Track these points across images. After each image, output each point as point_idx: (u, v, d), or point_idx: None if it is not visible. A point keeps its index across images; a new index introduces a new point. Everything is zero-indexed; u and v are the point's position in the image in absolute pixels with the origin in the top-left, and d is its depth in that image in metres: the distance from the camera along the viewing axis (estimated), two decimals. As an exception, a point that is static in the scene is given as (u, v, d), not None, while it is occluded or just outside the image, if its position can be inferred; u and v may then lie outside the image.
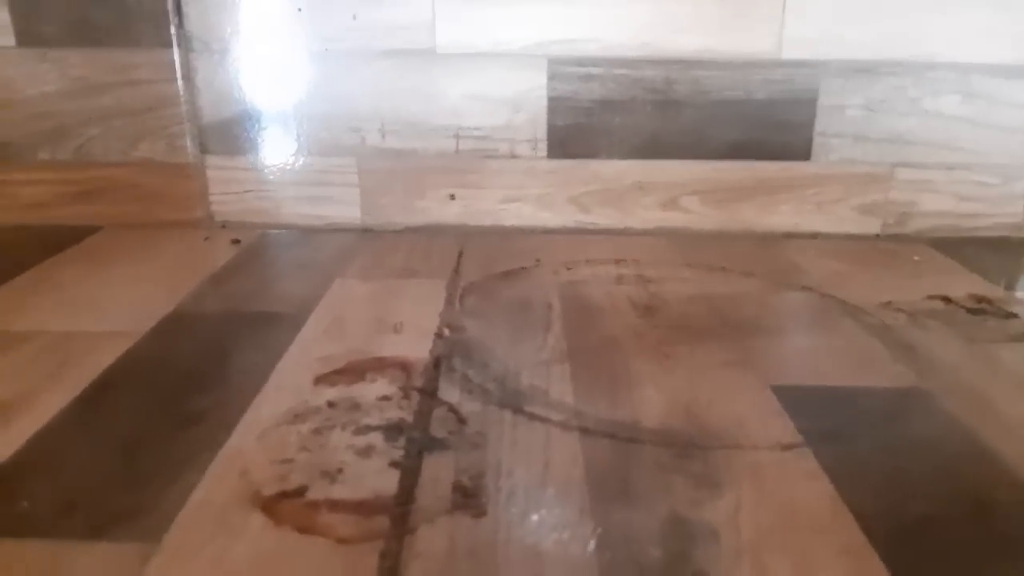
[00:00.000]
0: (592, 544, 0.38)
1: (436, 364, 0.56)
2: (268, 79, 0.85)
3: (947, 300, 0.70)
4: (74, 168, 0.87)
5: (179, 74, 0.85)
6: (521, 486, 0.42)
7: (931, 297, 0.71)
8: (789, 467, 0.44)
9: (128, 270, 0.74)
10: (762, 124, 0.86)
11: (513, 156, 0.87)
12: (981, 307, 0.68)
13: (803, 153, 0.87)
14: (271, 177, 0.88)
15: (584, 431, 0.47)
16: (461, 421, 0.48)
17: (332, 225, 0.89)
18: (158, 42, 0.83)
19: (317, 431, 0.47)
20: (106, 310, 0.64)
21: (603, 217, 0.90)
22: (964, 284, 0.74)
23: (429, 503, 0.41)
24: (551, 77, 0.85)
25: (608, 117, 0.86)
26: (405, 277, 0.74)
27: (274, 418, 0.48)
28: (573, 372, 0.55)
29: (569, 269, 0.77)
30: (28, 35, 0.83)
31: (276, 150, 0.87)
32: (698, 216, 0.89)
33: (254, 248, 0.82)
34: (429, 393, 0.52)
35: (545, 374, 0.55)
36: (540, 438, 0.47)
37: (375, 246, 0.84)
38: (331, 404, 0.50)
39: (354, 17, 0.83)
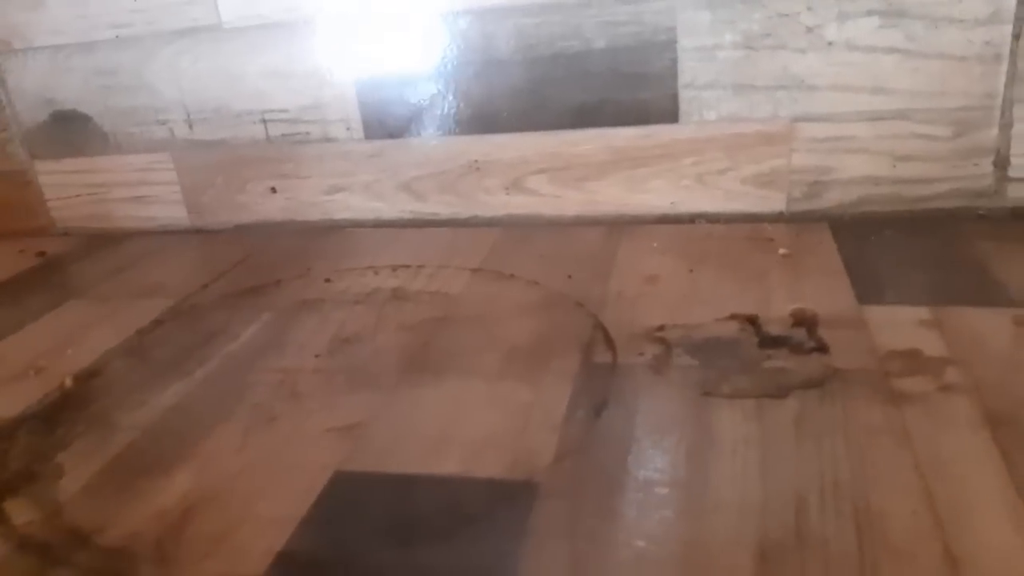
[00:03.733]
0: None
1: (10, 430, 0.48)
2: (68, 74, 0.79)
3: (751, 321, 0.50)
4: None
5: (-3, 78, 0.81)
6: None
7: (732, 317, 0.51)
8: None
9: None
10: (610, 81, 0.67)
11: (328, 140, 0.75)
12: (789, 335, 0.48)
13: (668, 113, 0.67)
14: (96, 179, 0.83)
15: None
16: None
17: (161, 227, 0.83)
18: (-32, 46, 0.80)
19: None
20: None
21: (442, 205, 0.76)
22: (812, 293, 0.54)
23: None
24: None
25: (425, 86, 0.71)
26: (145, 296, 0.66)
27: None
28: (132, 443, 0.45)
29: (328, 282, 0.65)
30: None
31: (94, 150, 0.81)
32: (550, 199, 0.73)
33: (48, 263, 0.77)
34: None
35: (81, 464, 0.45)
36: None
37: (168, 254, 0.76)
38: None
39: (135, -1, 0.74)
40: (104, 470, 0.43)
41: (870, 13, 0.61)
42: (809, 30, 0.63)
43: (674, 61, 0.66)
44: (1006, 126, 0.62)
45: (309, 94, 0.74)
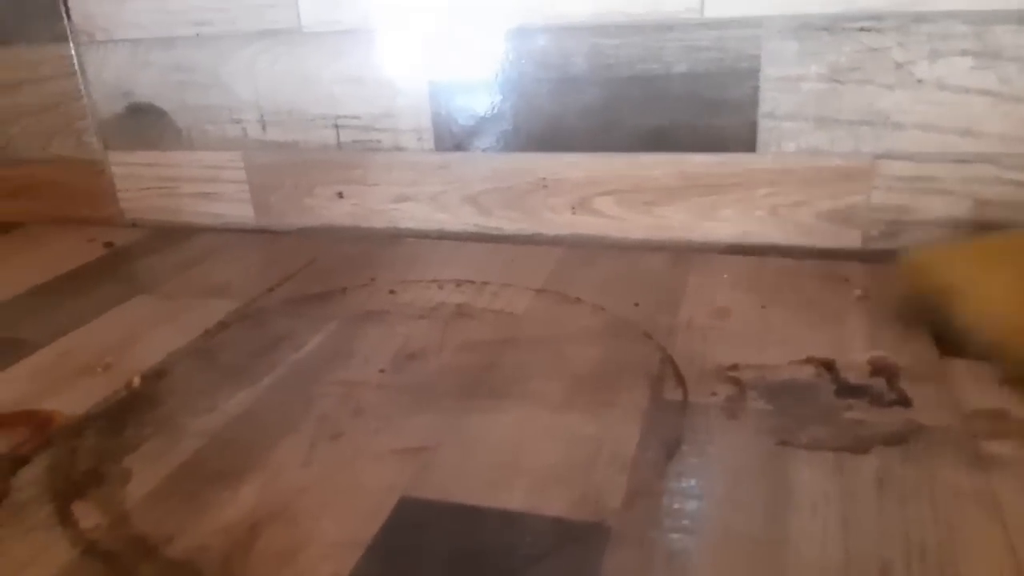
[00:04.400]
0: None
1: (78, 428, 0.48)
2: (146, 68, 0.80)
3: (828, 367, 0.49)
4: (3, 166, 0.89)
5: (76, 68, 0.82)
6: None
7: (807, 360, 0.50)
8: None
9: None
10: (688, 105, 0.66)
11: (398, 149, 0.75)
12: (868, 384, 0.47)
13: (746, 142, 0.66)
14: (167, 173, 0.84)
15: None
16: (-14, 513, 0.41)
17: (227, 224, 0.83)
18: (52, 37, 0.82)
19: None
20: None
21: (507, 221, 0.75)
22: (891, 340, 0.52)
23: None
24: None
25: (499, 100, 0.71)
26: (211, 296, 0.66)
27: None
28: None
29: (392, 293, 0.64)
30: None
31: (167, 145, 0.82)
32: (615, 221, 0.72)
33: (115, 254, 0.78)
34: (12, 466, 0.45)
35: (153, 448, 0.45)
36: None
37: (234, 253, 0.77)
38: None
39: (218, -3, 0.75)
40: (171, 477, 0.43)
41: (964, 53, 0.59)
42: (899, 66, 0.61)
43: (756, 89, 0.64)
44: (1102, 176, 0.60)
45: (382, 103, 0.74)
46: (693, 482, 0.39)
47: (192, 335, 0.59)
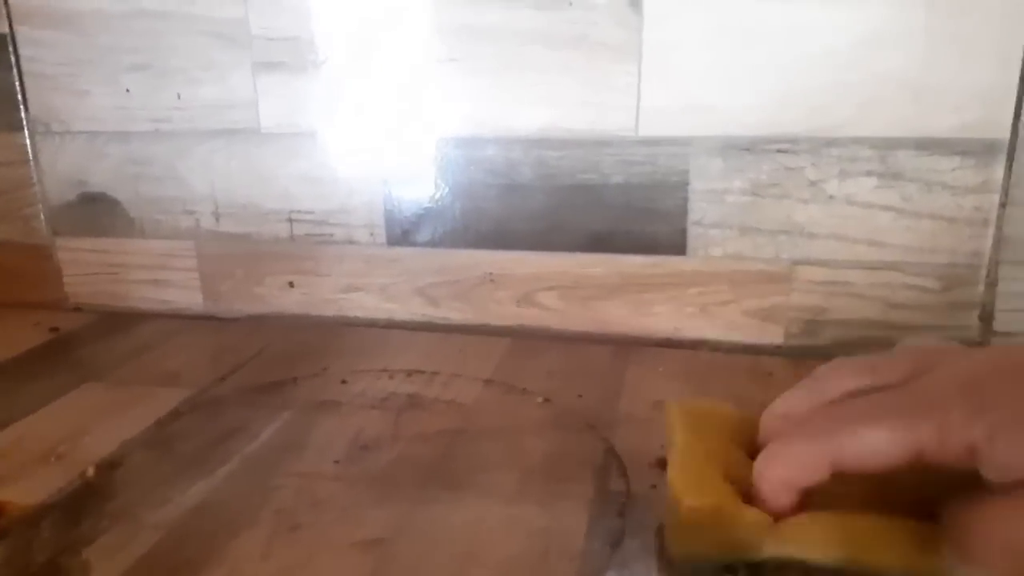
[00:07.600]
0: None
1: (34, 519, 0.49)
2: (101, 159, 0.82)
3: (757, 460, 0.53)
4: (-55, 248, 0.88)
5: (30, 156, 0.84)
6: None
7: (738, 454, 0.54)
8: None
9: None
10: (624, 213, 0.72)
11: (351, 242, 0.79)
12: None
13: (677, 247, 0.72)
14: (116, 260, 0.85)
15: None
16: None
17: (176, 311, 0.85)
18: (7, 125, 0.83)
19: None
20: None
21: (454, 311, 0.79)
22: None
23: None
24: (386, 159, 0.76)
25: (448, 202, 0.75)
26: (162, 384, 0.67)
27: None
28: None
29: (344, 383, 0.67)
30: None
31: (118, 233, 0.84)
32: (558, 314, 0.76)
33: (62, 339, 0.79)
34: (-35, 560, 0.45)
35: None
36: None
37: (183, 340, 0.78)
38: None
39: (178, 96, 0.78)
40: (131, 570, 0.44)
41: (869, 173, 0.67)
42: (812, 183, 0.68)
43: (685, 200, 0.70)
44: (991, 284, 0.67)
45: (337, 200, 0.77)
46: (638, 570, 0.43)
47: (145, 424, 0.60)
